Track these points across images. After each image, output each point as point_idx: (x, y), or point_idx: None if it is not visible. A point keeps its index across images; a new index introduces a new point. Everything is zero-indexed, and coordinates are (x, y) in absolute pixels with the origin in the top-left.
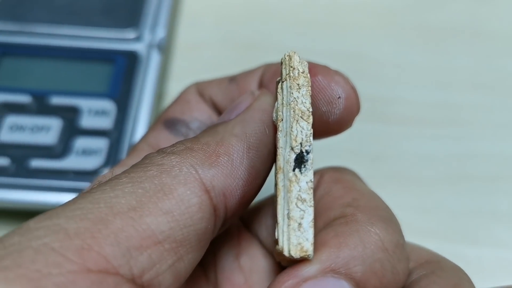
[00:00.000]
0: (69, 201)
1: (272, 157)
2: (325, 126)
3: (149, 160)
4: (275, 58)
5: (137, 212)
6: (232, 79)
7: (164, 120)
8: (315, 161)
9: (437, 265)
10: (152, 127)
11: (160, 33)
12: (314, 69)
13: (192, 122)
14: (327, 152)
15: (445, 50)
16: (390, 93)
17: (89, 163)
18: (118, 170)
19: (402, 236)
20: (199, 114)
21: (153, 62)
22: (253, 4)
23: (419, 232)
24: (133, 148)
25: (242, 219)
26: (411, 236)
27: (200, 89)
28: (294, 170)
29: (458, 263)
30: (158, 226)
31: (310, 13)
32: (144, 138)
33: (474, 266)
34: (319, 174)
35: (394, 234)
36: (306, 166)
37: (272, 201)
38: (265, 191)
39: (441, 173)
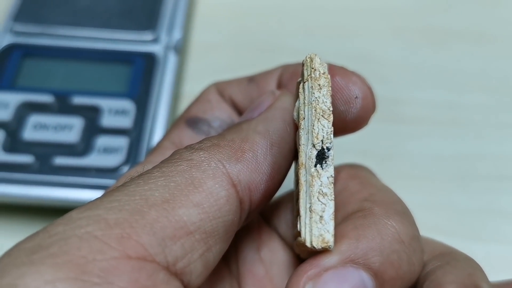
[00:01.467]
0: (106, 194)
1: (292, 154)
2: (343, 124)
3: (179, 156)
4: (287, 59)
5: (170, 204)
6: (251, 79)
7: (187, 118)
8: None
9: (451, 256)
10: (174, 125)
11: (177, 35)
12: (332, 70)
13: (214, 120)
14: (338, 152)
15: (453, 52)
16: (398, 93)
17: (110, 160)
18: (147, 165)
19: (417, 229)
20: (220, 113)
21: (170, 63)
22: (266, 7)
23: (428, 229)
24: (157, 145)
25: (262, 214)
26: (420, 232)
27: (220, 89)
28: (315, 166)
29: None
30: (189, 218)
31: (321, 15)
32: (167, 136)
33: (481, 262)
34: (336, 171)
35: (409, 226)
36: (327, 162)
37: (290, 197)
38: (284, 188)
39: (449, 172)
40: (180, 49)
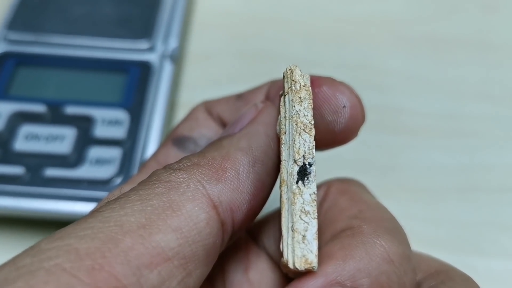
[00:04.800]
0: (79, 220)
1: (277, 170)
2: (332, 136)
3: (157, 177)
4: (284, 69)
5: (146, 230)
6: (239, 96)
7: (173, 138)
8: (324, 170)
9: (446, 275)
10: (161, 145)
11: (173, 43)
12: (319, 80)
13: (200, 138)
14: (336, 163)
15: (454, 61)
16: (399, 103)
17: (103, 172)
18: (127, 187)
19: (408, 247)
20: (207, 131)
21: (166, 72)
22: (263, 16)
23: (428, 242)
24: (143, 165)
25: (250, 232)
26: (420, 246)
27: (208, 107)
28: (297, 182)
29: (467, 274)
30: (167, 243)
31: (319, 25)
32: (154, 156)
33: (483, 277)
34: (326, 185)
35: (400, 245)
36: (309, 178)
37: (279, 214)
38: (272, 204)
39: (450, 183)
40: (176, 58)
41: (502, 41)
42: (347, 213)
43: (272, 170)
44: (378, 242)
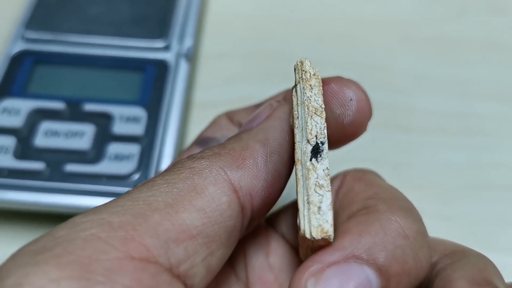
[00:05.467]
0: (110, 201)
1: (292, 162)
2: (341, 129)
3: (181, 165)
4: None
5: (173, 208)
6: (258, 106)
7: (198, 140)
8: (338, 168)
9: (462, 254)
10: (188, 148)
11: (188, 42)
12: (327, 79)
13: (223, 139)
14: (349, 160)
15: (463, 61)
16: (410, 103)
17: (122, 168)
18: None
19: (423, 225)
20: (229, 133)
21: (181, 70)
22: (275, 17)
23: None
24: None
25: (270, 221)
26: None
27: (229, 115)
28: (311, 160)
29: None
30: (192, 222)
31: (330, 26)
32: (179, 157)
33: None
34: (342, 175)
35: (414, 222)
36: (322, 155)
37: (295, 203)
38: (289, 196)
39: (461, 181)
40: (191, 57)
41: (510, 42)
42: (362, 195)
43: (287, 162)
44: (393, 218)
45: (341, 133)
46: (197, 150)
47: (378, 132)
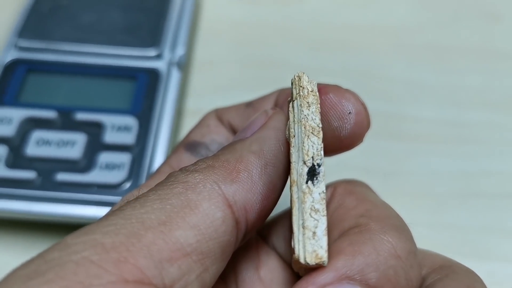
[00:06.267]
0: (102, 218)
1: (286, 173)
2: (338, 141)
3: (174, 178)
4: (289, 76)
5: (166, 226)
6: (249, 104)
7: (186, 143)
8: (329, 176)
9: (450, 269)
10: (174, 150)
11: (179, 51)
12: (325, 88)
13: (212, 144)
14: (340, 168)
15: (456, 69)
16: (402, 110)
17: (113, 177)
18: (144, 190)
19: (414, 244)
20: (218, 137)
21: (173, 79)
22: (268, 23)
23: (430, 247)
24: (157, 170)
25: (260, 232)
26: None
27: (219, 114)
28: (307, 182)
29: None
30: (186, 239)
31: (324, 33)
32: (167, 161)
33: (485, 281)
34: (333, 187)
35: (406, 242)
36: (318, 178)
37: (288, 215)
38: (281, 205)
39: (452, 189)
40: (183, 65)
41: (504, 49)
42: (354, 212)
43: (283, 173)
44: (385, 238)
45: (337, 144)
46: (184, 154)
47: (369, 140)
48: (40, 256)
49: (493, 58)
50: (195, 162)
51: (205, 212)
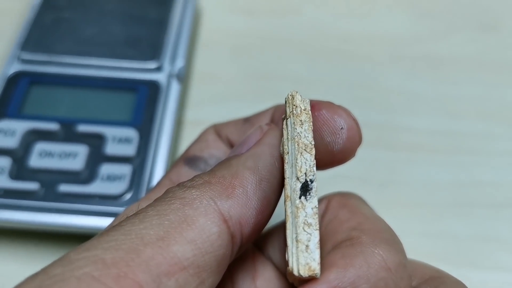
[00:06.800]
0: (102, 233)
1: (281, 187)
2: (331, 156)
3: (172, 194)
4: (289, 87)
5: (164, 242)
6: (246, 120)
7: (185, 158)
8: (325, 186)
9: (440, 280)
10: (174, 165)
11: (179, 63)
12: (319, 104)
13: (210, 158)
14: (336, 178)
15: (452, 80)
16: (397, 121)
17: (114, 188)
18: (144, 203)
19: (404, 256)
20: (216, 152)
21: (173, 91)
22: (266, 35)
23: (424, 256)
24: (157, 184)
25: (256, 244)
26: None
27: (217, 129)
28: (300, 197)
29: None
30: (183, 254)
31: (321, 44)
32: (167, 174)
33: None
34: (327, 199)
35: (396, 254)
36: (311, 193)
37: (283, 226)
38: (277, 217)
39: (446, 199)
40: (183, 77)
41: (499, 60)
42: (347, 225)
43: (277, 188)
44: (376, 251)
45: (330, 159)
46: (184, 168)
47: (365, 150)
48: (43, 271)
49: (488, 69)
50: (192, 178)
51: (202, 227)
